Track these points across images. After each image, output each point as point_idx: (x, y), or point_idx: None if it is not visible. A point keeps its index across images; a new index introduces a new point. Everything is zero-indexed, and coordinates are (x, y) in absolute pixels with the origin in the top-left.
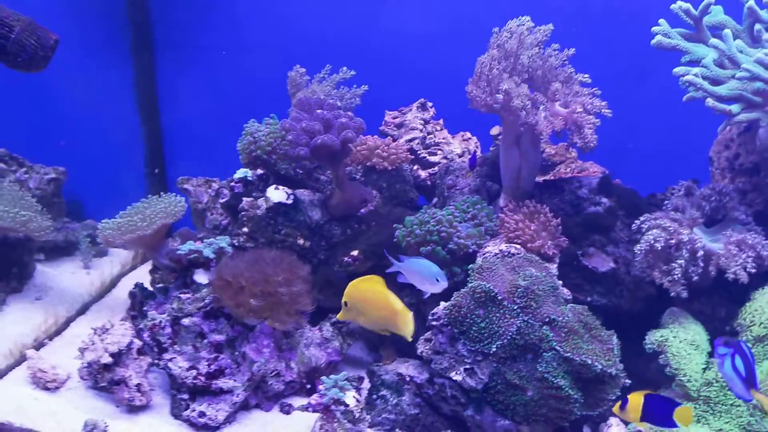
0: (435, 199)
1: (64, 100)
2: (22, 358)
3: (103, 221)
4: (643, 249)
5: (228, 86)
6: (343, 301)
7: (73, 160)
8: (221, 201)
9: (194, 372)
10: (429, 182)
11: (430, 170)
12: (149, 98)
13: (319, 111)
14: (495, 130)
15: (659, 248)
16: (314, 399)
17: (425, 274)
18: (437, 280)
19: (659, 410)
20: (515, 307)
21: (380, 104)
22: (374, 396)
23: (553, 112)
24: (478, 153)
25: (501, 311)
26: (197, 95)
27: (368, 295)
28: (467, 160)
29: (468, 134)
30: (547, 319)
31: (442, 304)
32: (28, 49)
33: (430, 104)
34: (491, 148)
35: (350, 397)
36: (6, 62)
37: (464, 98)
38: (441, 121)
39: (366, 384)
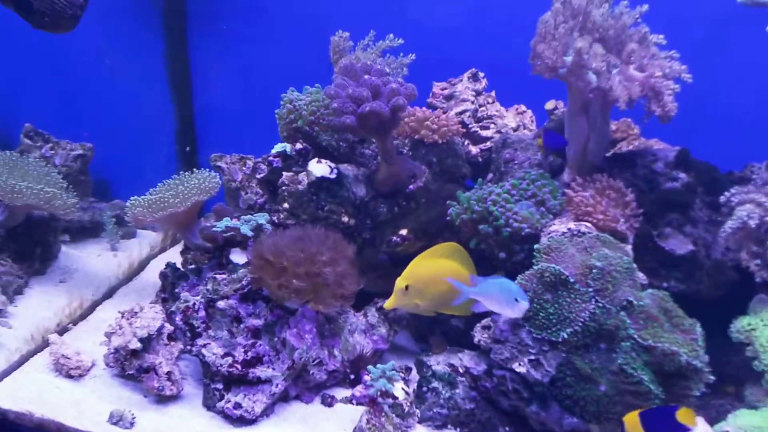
0: (490, 175)
1: (91, 73)
2: (44, 344)
3: (132, 198)
4: (734, 226)
5: (264, 59)
6: (402, 285)
7: (100, 137)
8: (258, 177)
9: (230, 359)
10: (480, 159)
11: (481, 146)
12: (181, 71)
13: (366, 77)
14: (550, 105)
15: (753, 226)
16: (359, 390)
17: (503, 296)
18: (517, 301)
19: (661, 422)
20: (589, 291)
21: (427, 76)
22: (424, 388)
23: (628, 76)
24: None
25: (572, 295)
26: (231, 69)
27: (435, 271)
28: (527, 133)
29: (523, 107)
30: (624, 304)
31: None
32: (57, 7)
33: (481, 74)
34: (552, 118)
35: (399, 389)
36: (33, 22)
37: (517, 69)
38: (493, 93)
39: (414, 375)
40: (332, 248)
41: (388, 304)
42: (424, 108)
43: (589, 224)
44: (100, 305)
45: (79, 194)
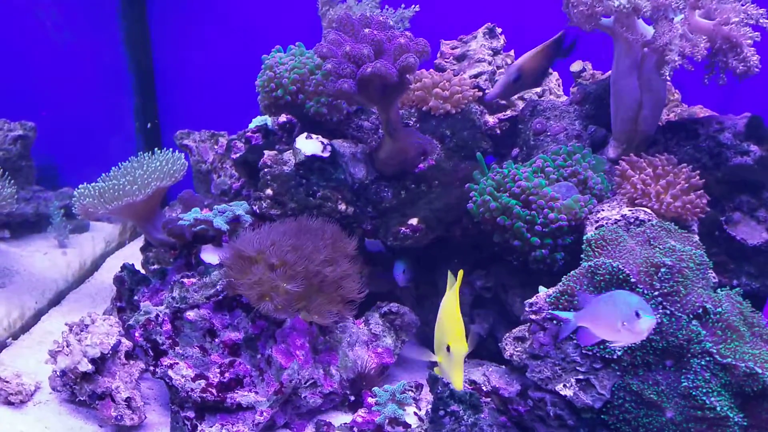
0: (516, 150)
1: (29, 36)
2: None
3: (80, 186)
4: None
5: (240, 15)
6: (466, 350)
7: (43, 117)
8: (234, 157)
9: (202, 382)
10: (498, 131)
11: (500, 115)
12: (139, 32)
13: (366, 30)
14: (577, 66)
15: None
16: (361, 415)
17: (616, 313)
18: (637, 316)
19: None
20: (654, 294)
21: (434, 32)
22: (441, 412)
23: (694, 25)
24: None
25: None
26: (200, 28)
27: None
28: (554, 99)
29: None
30: (699, 311)
31: (543, 290)
32: None
33: (499, 30)
34: (579, 81)
35: (411, 415)
36: None
37: (537, 23)
38: (512, 53)
39: (425, 393)
40: (331, 244)
41: (459, 383)
42: (431, 70)
43: (648, 210)
44: (46, 314)
45: (20, 183)
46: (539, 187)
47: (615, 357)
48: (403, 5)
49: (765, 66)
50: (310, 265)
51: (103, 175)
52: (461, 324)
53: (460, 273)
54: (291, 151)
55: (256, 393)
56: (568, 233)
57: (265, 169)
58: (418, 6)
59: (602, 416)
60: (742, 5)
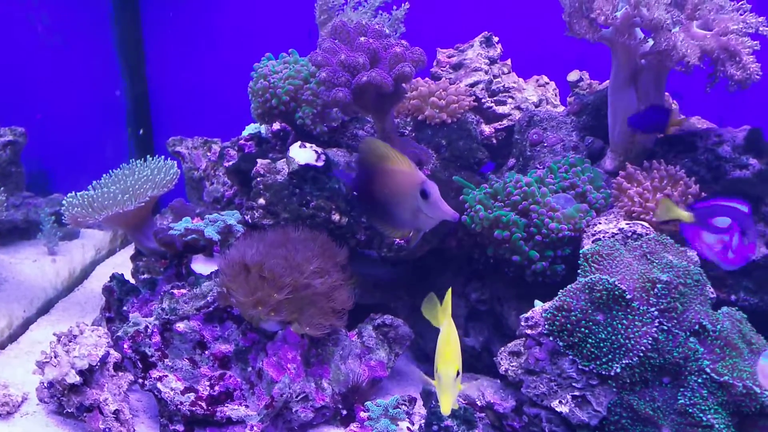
0: (512, 161)
1: (21, 41)
2: None
3: (69, 195)
4: None
5: (231, 22)
6: (453, 371)
7: (36, 120)
8: (227, 165)
9: (192, 395)
10: (494, 141)
11: (496, 124)
12: (132, 38)
13: (362, 39)
14: (574, 75)
15: None
16: (353, 430)
17: None
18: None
19: None
20: (652, 311)
21: (430, 40)
22: (435, 427)
23: (692, 35)
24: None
25: (630, 316)
26: (193, 34)
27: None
28: (552, 110)
29: (545, 78)
30: (695, 328)
31: (539, 305)
32: None
33: (496, 39)
34: (576, 92)
35: (404, 430)
36: None
37: (535, 32)
38: (509, 62)
39: (419, 408)
40: (320, 254)
41: (448, 407)
42: (427, 79)
43: (645, 223)
44: (35, 323)
45: (9, 189)
46: (542, 195)
47: (612, 374)
48: (394, 6)
49: (763, 77)
50: (300, 277)
51: (95, 182)
52: (452, 345)
53: (448, 294)
54: (284, 159)
55: (247, 407)
56: (568, 244)
57: (258, 178)
58: (407, 3)
59: None
60: (741, 14)
